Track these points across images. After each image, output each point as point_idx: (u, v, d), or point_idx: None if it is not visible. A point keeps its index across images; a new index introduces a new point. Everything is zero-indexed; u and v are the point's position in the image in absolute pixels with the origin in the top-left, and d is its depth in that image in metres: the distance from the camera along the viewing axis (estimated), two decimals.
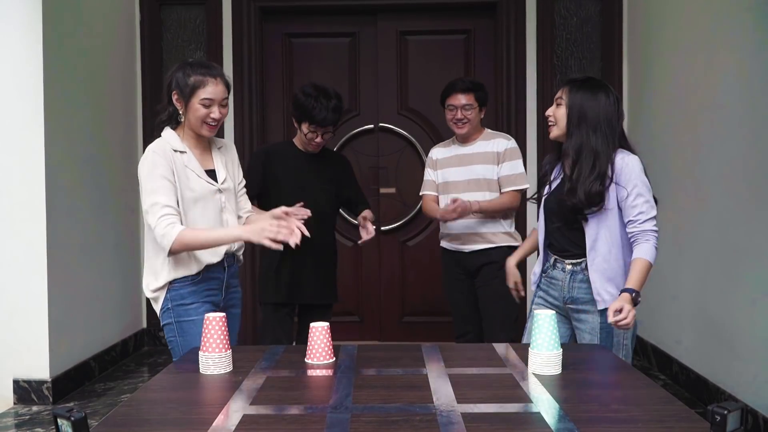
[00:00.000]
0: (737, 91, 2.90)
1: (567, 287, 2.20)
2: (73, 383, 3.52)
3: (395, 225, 4.41)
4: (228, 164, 2.33)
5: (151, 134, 4.14)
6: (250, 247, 3.93)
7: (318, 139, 2.79)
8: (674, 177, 3.51)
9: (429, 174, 3.12)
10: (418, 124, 4.39)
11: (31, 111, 3.25)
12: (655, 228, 2.08)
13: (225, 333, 1.77)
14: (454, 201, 2.81)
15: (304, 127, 2.77)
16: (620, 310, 1.94)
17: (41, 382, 3.32)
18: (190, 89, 2.13)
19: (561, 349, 1.70)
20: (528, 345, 1.77)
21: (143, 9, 4.32)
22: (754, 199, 2.75)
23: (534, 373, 1.68)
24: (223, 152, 2.33)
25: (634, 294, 2.01)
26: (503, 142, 2.99)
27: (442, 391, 1.55)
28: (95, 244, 3.73)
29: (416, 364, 1.80)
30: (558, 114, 2.17)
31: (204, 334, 1.75)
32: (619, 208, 2.11)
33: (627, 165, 2.09)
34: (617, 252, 2.11)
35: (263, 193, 2.85)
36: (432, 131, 4.35)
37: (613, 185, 2.09)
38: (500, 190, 2.97)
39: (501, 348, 1.97)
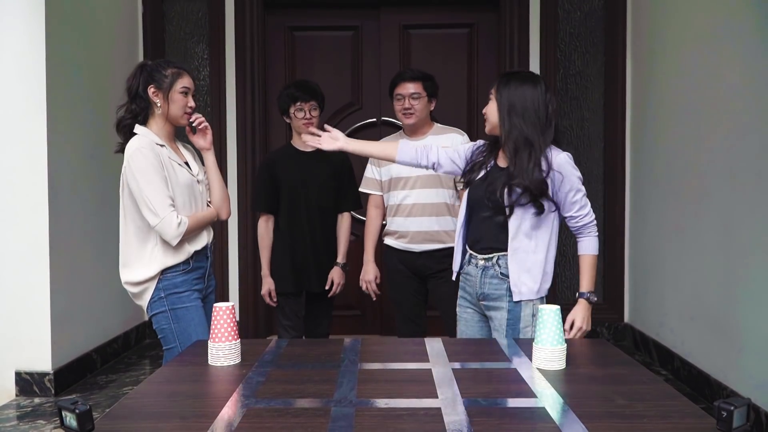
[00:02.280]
0: (742, 86, 2.89)
1: (479, 283, 2.20)
2: (75, 375, 3.53)
3: None
4: (195, 159, 2.46)
5: None
6: (250, 246, 3.92)
7: (307, 116, 2.92)
8: (678, 172, 3.51)
9: (371, 171, 3.00)
10: None
11: (33, 104, 3.24)
12: (593, 219, 2.17)
13: (234, 322, 1.78)
14: None
15: (292, 110, 2.93)
16: (572, 325, 2.13)
17: (43, 374, 3.32)
18: (169, 81, 2.27)
19: (565, 344, 1.70)
20: (532, 340, 1.77)
21: (146, 1, 4.30)
22: (757, 194, 2.75)
23: (538, 368, 1.68)
24: (186, 149, 2.45)
25: (587, 296, 2.13)
26: (457, 137, 2.87)
27: (446, 385, 1.55)
28: (97, 237, 3.72)
29: (420, 358, 1.79)
30: (489, 109, 2.18)
31: (213, 325, 1.76)
32: (551, 202, 2.12)
33: (562, 161, 2.10)
34: (537, 244, 2.13)
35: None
36: None
37: (549, 179, 2.08)
38: (456, 187, 2.82)
39: (505, 343, 1.97)
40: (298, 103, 2.92)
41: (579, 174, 2.13)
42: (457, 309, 2.35)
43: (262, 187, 3.03)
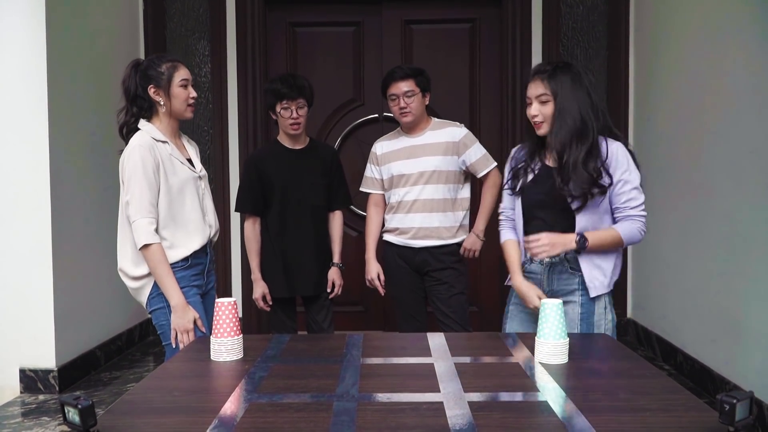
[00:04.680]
0: (744, 81, 2.88)
1: (546, 281, 2.15)
2: (79, 372, 3.54)
3: None
4: (198, 155, 2.46)
5: None
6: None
7: (293, 115, 2.78)
8: (681, 167, 3.50)
9: (371, 170, 2.99)
10: None
11: (35, 102, 3.25)
12: (642, 213, 2.07)
13: (236, 318, 1.78)
14: (467, 249, 2.90)
15: (278, 108, 2.79)
16: (538, 240, 2.02)
17: (47, 371, 3.33)
18: (167, 76, 2.27)
19: (568, 339, 1.70)
20: (534, 334, 1.77)
21: None
22: (760, 188, 2.74)
23: (541, 362, 1.68)
24: (191, 144, 2.46)
25: (578, 238, 2.02)
26: (457, 131, 2.88)
27: (448, 379, 1.55)
28: (100, 234, 3.72)
29: (422, 353, 1.80)
30: (545, 111, 2.10)
31: (215, 320, 1.77)
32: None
33: (613, 152, 2.06)
34: None
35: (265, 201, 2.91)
36: None
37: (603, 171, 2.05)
38: (477, 175, 2.88)
39: (508, 337, 1.97)
40: (285, 102, 2.76)
41: (631, 166, 2.08)
42: (511, 308, 2.26)
43: (248, 188, 2.87)
